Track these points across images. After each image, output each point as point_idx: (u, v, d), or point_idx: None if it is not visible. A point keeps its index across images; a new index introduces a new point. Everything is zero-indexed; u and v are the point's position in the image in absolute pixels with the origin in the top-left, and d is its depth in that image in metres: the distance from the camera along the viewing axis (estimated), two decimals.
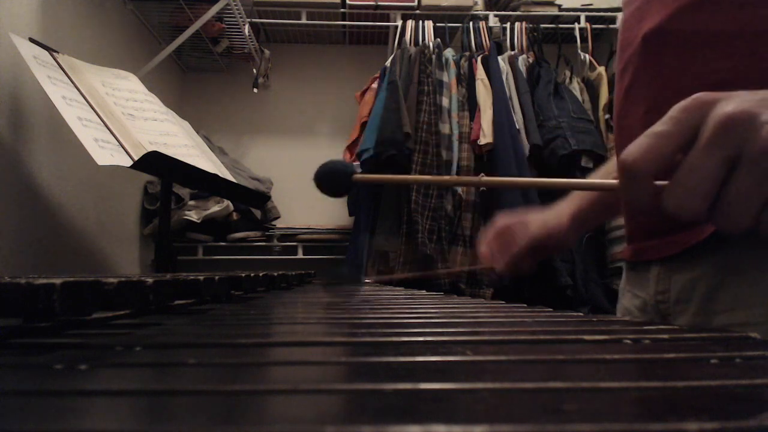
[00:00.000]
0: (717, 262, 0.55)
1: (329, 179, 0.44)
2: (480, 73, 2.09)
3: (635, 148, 0.34)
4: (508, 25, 2.28)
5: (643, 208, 0.35)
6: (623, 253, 0.70)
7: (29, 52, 1.19)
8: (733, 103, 0.32)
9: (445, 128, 2.04)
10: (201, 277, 0.46)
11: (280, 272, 0.82)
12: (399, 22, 2.27)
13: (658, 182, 0.34)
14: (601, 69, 2.20)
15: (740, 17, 0.52)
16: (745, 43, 0.52)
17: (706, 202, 0.33)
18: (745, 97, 0.32)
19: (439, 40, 2.19)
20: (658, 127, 0.34)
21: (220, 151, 2.28)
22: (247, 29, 2.17)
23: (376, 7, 2.29)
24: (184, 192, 2.12)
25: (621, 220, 2.15)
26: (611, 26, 2.31)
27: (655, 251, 0.61)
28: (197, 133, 1.89)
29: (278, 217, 2.38)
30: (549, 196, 1.98)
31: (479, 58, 2.13)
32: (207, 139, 2.15)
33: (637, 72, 0.60)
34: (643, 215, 0.35)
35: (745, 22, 0.52)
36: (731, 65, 0.51)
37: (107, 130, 1.23)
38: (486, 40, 2.22)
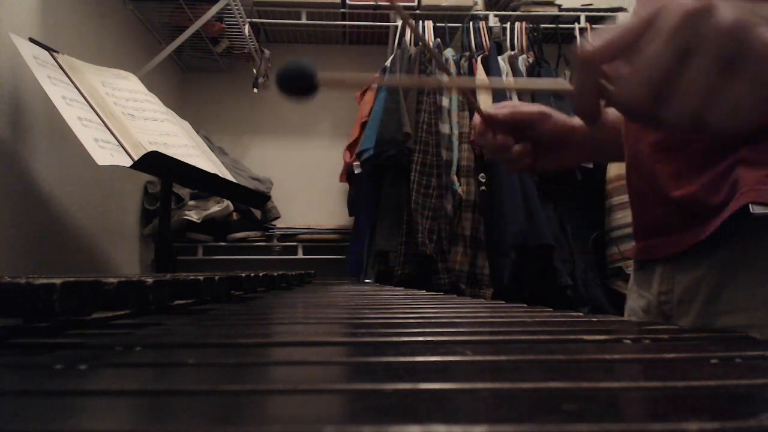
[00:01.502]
0: (719, 263, 0.55)
1: (292, 80, 0.40)
2: (480, 73, 2.09)
3: (595, 39, 0.34)
4: (508, 25, 2.28)
5: (591, 106, 0.35)
6: (629, 252, 0.69)
7: (29, 52, 1.19)
8: (694, 3, 0.32)
9: (445, 128, 2.04)
10: (201, 277, 0.46)
11: (280, 272, 0.82)
12: (399, 22, 2.27)
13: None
14: None
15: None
16: None
17: (654, 91, 0.33)
18: None
19: (439, 40, 2.19)
20: (623, 22, 0.34)
21: (220, 151, 2.28)
22: (247, 29, 2.17)
23: (376, 7, 2.29)
24: (184, 192, 2.11)
25: (622, 220, 2.14)
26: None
27: (660, 250, 0.61)
28: (197, 133, 1.89)
29: (278, 217, 2.38)
30: (549, 200, 1.99)
31: (479, 58, 2.13)
32: (207, 139, 2.15)
33: None
34: (589, 115, 0.36)
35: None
36: None
37: (107, 130, 1.23)
38: (486, 40, 2.22)
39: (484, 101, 2.04)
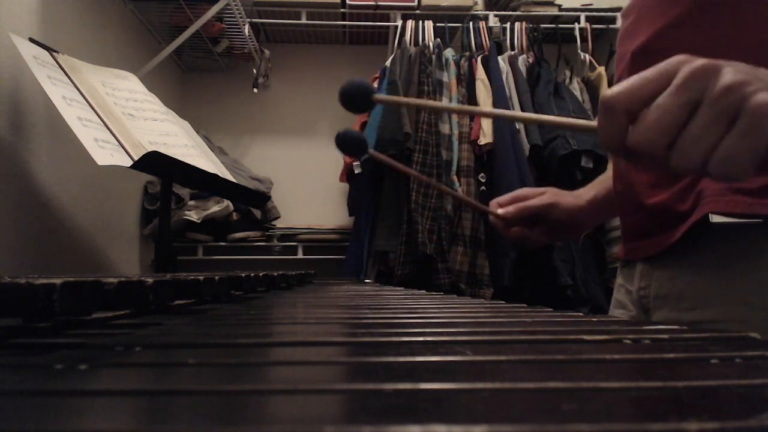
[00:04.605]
0: (688, 265, 0.61)
1: (351, 96, 0.47)
2: (480, 73, 2.09)
3: (618, 87, 0.38)
4: (508, 25, 2.28)
5: (615, 145, 0.39)
6: (618, 253, 0.76)
7: (29, 52, 1.19)
8: (706, 61, 0.37)
9: (445, 128, 2.03)
10: (201, 277, 0.46)
11: (280, 272, 0.82)
12: (399, 22, 2.27)
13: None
14: (601, 69, 2.20)
15: (714, 36, 0.57)
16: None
17: (665, 139, 0.36)
18: (719, 60, 0.37)
19: (439, 40, 2.19)
20: (642, 73, 0.38)
21: (220, 151, 2.28)
22: (247, 29, 2.17)
23: (376, 7, 2.29)
24: (184, 192, 2.11)
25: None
26: (611, 26, 2.31)
27: (641, 251, 0.67)
28: (197, 133, 1.89)
29: (278, 217, 2.38)
30: None
31: (479, 58, 2.13)
32: (207, 139, 2.15)
33: None
34: (614, 152, 0.40)
35: (719, 41, 0.56)
36: None
37: (107, 130, 1.23)
38: (486, 40, 2.22)
39: (484, 101, 2.04)
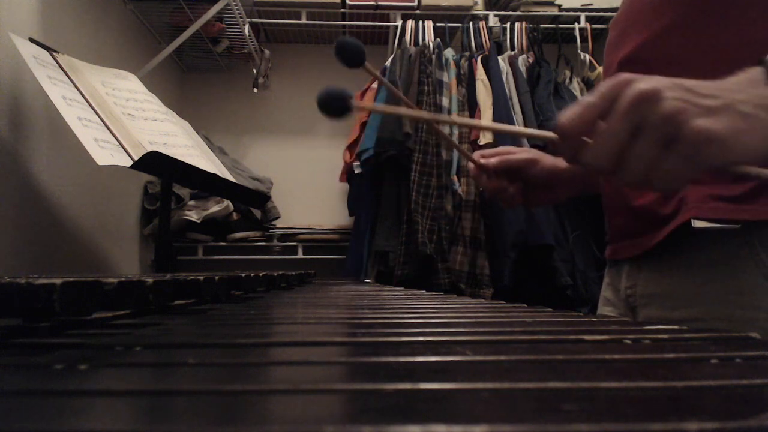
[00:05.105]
0: (672, 265, 0.64)
1: (329, 101, 0.47)
2: (480, 73, 2.09)
3: (568, 113, 0.43)
4: (508, 25, 2.28)
5: (572, 162, 0.44)
6: (606, 253, 0.78)
7: (29, 52, 1.19)
8: (645, 82, 0.40)
9: (445, 128, 2.03)
10: (201, 277, 0.46)
11: (280, 272, 0.82)
12: (399, 22, 2.27)
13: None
14: (601, 69, 2.19)
15: (696, 47, 0.61)
16: (696, 71, 0.62)
17: (612, 159, 0.41)
18: (659, 78, 0.40)
19: (439, 40, 2.19)
20: (587, 97, 0.42)
21: (220, 151, 2.28)
22: (247, 29, 2.17)
23: (376, 7, 2.29)
24: (184, 192, 2.11)
25: None
26: None
27: (627, 251, 0.70)
28: (197, 133, 1.89)
29: (278, 217, 2.38)
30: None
31: (479, 58, 2.13)
32: (207, 139, 2.15)
33: None
34: (571, 162, 0.45)
35: (697, 52, 0.60)
36: None
37: (107, 130, 1.23)
38: (486, 40, 2.22)
39: (484, 101, 2.04)
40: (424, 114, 1.05)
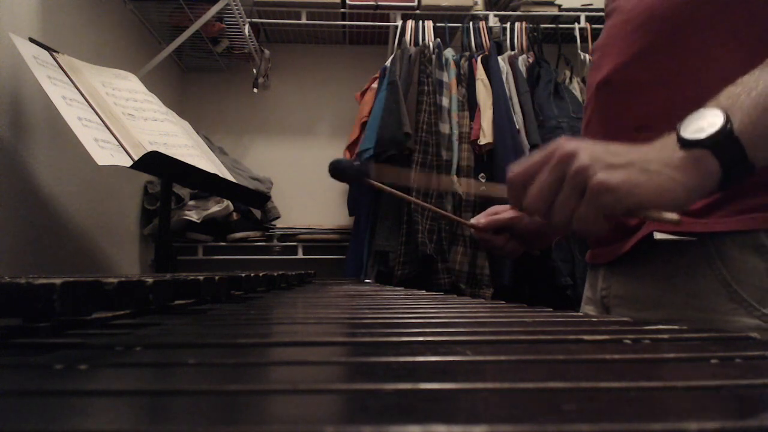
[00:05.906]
0: (640, 271, 0.70)
1: (344, 174, 0.55)
2: (480, 73, 2.09)
3: (515, 167, 0.53)
4: (508, 25, 2.28)
5: (517, 207, 0.54)
6: (586, 257, 0.84)
7: (29, 52, 1.19)
8: (573, 145, 0.49)
9: (445, 128, 2.03)
10: (201, 277, 0.46)
11: (280, 272, 0.82)
12: (399, 22, 2.27)
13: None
14: None
15: (663, 71, 0.67)
16: (661, 93, 0.67)
17: (543, 205, 0.50)
18: (588, 143, 0.49)
19: (439, 40, 2.19)
20: (532, 156, 0.52)
21: (220, 151, 2.28)
22: (247, 29, 2.17)
23: (376, 7, 2.29)
24: (184, 192, 2.11)
25: None
26: None
27: (602, 257, 0.76)
28: (197, 133, 1.89)
29: (278, 217, 2.38)
30: None
31: (479, 58, 2.13)
32: (207, 139, 2.15)
33: (592, 113, 0.76)
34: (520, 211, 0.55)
35: (665, 76, 0.66)
36: (651, 111, 0.67)
37: (107, 130, 1.23)
38: (486, 40, 2.22)
39: (484, 101, 2.04)
40: (426, 204, 1.25)
